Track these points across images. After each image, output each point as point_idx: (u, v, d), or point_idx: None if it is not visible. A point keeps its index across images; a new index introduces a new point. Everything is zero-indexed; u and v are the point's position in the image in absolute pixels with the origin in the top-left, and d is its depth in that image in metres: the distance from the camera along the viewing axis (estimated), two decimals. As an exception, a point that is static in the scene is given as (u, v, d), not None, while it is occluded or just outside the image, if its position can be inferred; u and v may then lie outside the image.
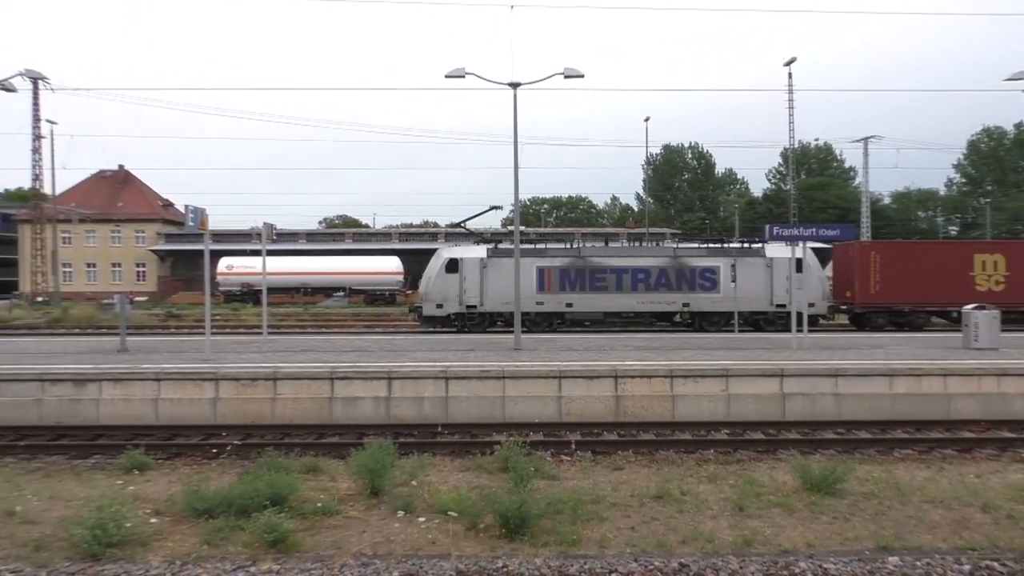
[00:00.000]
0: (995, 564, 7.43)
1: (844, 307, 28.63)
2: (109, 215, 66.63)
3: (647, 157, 70.96)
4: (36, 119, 42.31)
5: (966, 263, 27.16)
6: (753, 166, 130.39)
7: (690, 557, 7.57)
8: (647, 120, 50.59)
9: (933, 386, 14.59)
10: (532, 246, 27.92)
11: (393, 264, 54.90)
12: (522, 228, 39.60)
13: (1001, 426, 13.76)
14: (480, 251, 27.34)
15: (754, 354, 17.36)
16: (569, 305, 24.09)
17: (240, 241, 55.74)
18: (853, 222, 57.47)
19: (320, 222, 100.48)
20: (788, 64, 46.80)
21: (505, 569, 7.26)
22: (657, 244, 29.47)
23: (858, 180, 72.40)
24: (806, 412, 14.28)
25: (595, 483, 10.20)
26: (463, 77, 18.96)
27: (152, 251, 65.96)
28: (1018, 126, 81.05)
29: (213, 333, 19.34)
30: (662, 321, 27.87)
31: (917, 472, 10.96)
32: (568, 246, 28.12)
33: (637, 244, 29.32)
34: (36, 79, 36.79)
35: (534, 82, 19.71)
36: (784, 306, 26.06)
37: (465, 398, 14.27)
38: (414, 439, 12.81)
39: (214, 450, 12.21)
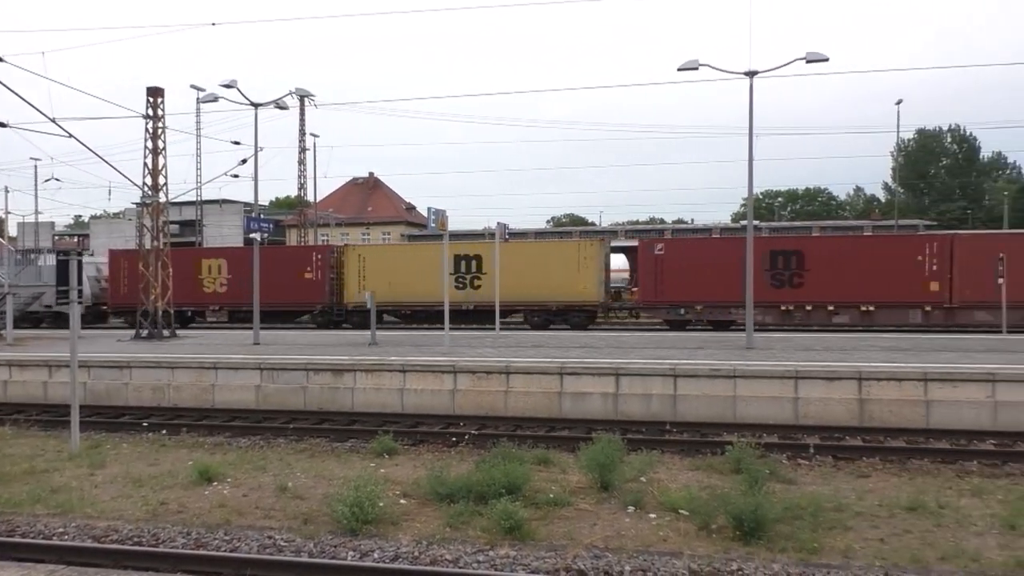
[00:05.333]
0: None
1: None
2: (360, 219, 72.65)
3: (898, 143, 65.29)
4: (302, 133, 47.13)
5: (197, 267, 30.76)
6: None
7: (951, 575, 6.91)
8: (899, 103, 46.52)
9: None
10: None
11: (620, 262, 54.88)
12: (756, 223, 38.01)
13: None
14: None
15: (1027, 356, 15.46)
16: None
17: (474, 240, 58.50)
18: None
19: (548, 221, 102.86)
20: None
21: (740, 572, 7.04)
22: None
23: None
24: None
25: (837, 490, 9.60)
26: (696, 69, 18.50)
27: (396, 252, 71.01)
28: None
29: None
30: None
31: None
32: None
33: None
34: (303, 96, 40.98)
35: (772, 69, 18.84)
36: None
37: (694, 396, 14.00)
38: (642, 436, 12.77)
39: (453, 438, 12.96)
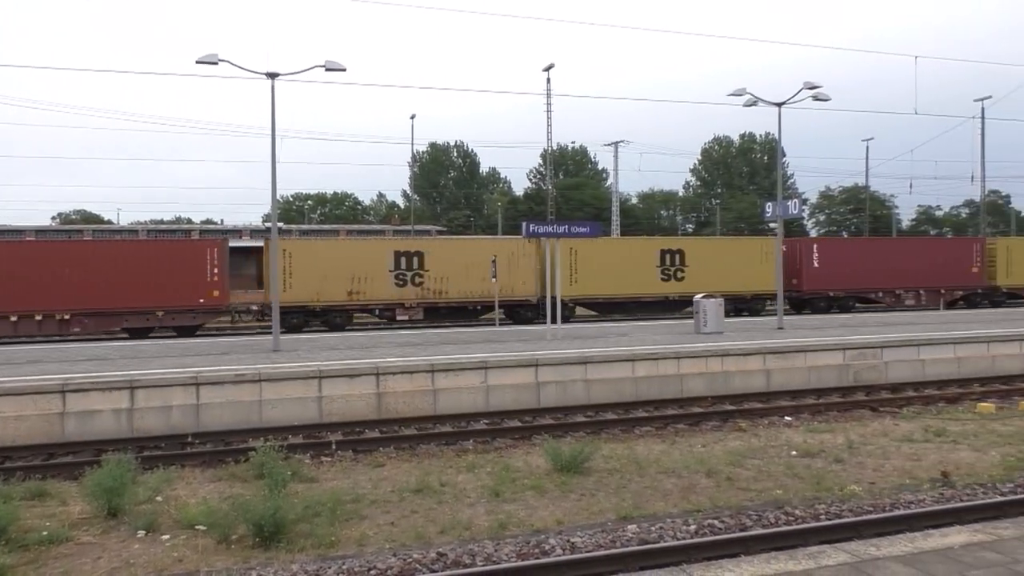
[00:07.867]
0: (715, 522, 8.35)
1: None
2: None
3: (413, 155, 71.32)
4: None
5: None
6: (515, 166, 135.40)
7: (448, 546, 7.76)
8: (413, 118, 50.99)
9: (668, 368, 16.08)
10: None
11: None
12: (281, 225, 38.55)
13: (724, 400, 15.50)
14: None
15: (512, 346, 18.10)
16: None
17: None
18: (606, 220, 61.68)
19: (54, 217, 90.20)
20: (547, 70, 49.21)
21: (259, 579, 7.00)
22: None
23: (610, 181, 77.51)
24: (559, 398, 15.15)
25: (355, 482, 10.13)
26: (216, 64, 17.87)
27: None
28: (742, 136, 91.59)
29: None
30: None
31: (654, 446, 12.03)
32: None
33: None
34: None
35: (293, 73, 19.01)
36: None
37: (219, 404, 13.53)
38: (161, 451, 11.97)
39: (-88, 482, 10.60)
